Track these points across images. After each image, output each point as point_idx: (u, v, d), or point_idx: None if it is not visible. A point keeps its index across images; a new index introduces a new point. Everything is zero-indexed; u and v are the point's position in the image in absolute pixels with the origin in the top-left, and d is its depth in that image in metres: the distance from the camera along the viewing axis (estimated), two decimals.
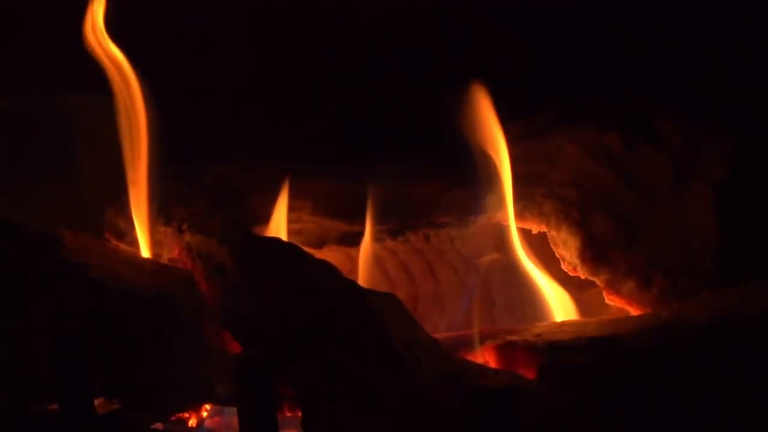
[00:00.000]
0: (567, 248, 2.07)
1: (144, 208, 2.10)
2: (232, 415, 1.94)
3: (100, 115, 2.17)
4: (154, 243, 2.12)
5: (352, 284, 1.80)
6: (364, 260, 2.11)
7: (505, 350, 1.80)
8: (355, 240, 2.16)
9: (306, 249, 1.93)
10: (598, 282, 2.05)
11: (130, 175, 2.10)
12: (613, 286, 2.03)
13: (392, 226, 2.16)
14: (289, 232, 2.14)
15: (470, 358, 1.81)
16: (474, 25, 2.35)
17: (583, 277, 2.07)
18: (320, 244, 2.17)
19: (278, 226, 2.12)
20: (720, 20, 2.25)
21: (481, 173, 2.09)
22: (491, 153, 2.08)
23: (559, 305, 2.07)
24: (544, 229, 2.10)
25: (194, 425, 1.96)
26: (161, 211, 2.11)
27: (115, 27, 2.12)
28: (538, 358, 1.73)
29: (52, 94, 2.52)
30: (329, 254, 2.14)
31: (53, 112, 2.54)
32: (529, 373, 1.73)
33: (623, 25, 2.29)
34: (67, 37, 2.40)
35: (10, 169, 2.47)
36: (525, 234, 2.14)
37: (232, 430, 1.93)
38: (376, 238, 2.16)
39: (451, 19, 2.37)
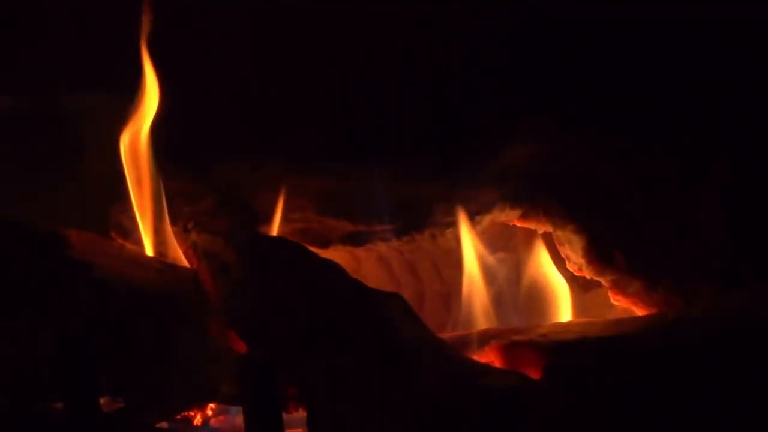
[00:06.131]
0: (572, 248, 2.07)
1: (148, 207, 2.11)
2: (237, 415, 1.95)
3: (104, 114, 2.17)
4: (159, 242, 2.12)
5: (358, 284, 1.80)
6: None
7: (511, 350, 1.79)
8: (360, 240, 2.17)
9: (311, 248, 1.93)
10: (603, 282, 2.05)
11: (132, 174, 2.10)
12: (619, 287, 2.03)
13: (398, 225, 2.16)
14: (294, 232, 2.14)
15: (476, 357, 1.81)
16: (478, 25, 2.35)
17: (588, 277, 2.07)
18: (325, 243, 2.17)
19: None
20: (723, 21, 2.25)
21: (488, 172, 2.10)
22: None
23: (564, 304, 2.07)
24: (549, 228, 2.10)
25: (199, 424, 1.96)
26: (167, 210, 2.11)
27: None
28: (544, 358, 1.72)
29: (56, 93, 2.52)
30: (334, 254, 2.14)
31: (57, 112, 2.53)
32: (534, 373, 1.73)
33: (627, 29, 2.30)
34: (70, 36, 2.40)
35: (15, 168, 2.47)
36: (529, 233, 2.16)
37: (237, 429, 1.93)
38: (382, 238, 2.16)
39: (455, 18, 2.37)
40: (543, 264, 2.11)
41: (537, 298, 2.10)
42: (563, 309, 2.08)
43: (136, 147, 2.11)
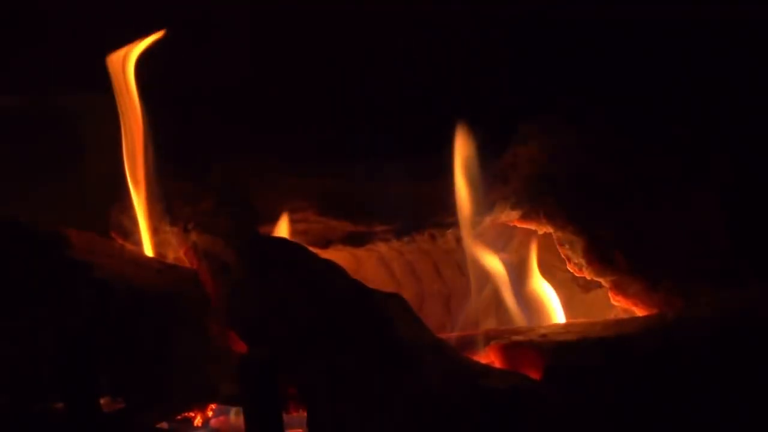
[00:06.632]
0: (573, 249, 2.07)
1: (146, 207, 2.11)
2: (237, 415, 1.95)
3: (105, 114, 2.17)
4: (159, 242, 2.12)
5: (358, 284, 1.80)
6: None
7: (511, 350, 1.79)
8: (360, 240, 2.17)
9: (311, 249, 1.93)
10: (604, 283, 2.05)
11: (132, 175, 2.11)
12: (620, 287, 2.02)
13: (398, 226, 2.17)
14: (295, 232, 2.14)
15: (476, 358, 1.81)
16: (478, 25, 2.36)
17: (589, 278, 2.06)
18: (326, 243, 2.18)
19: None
20: (723, 21, 2.25)
21: (488, 173, 2.10)
22: None
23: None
24: (549, 229, 2.10)
25: (199, 424, 1.96)
26: (167, 211, 2.12)
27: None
28: (544, 358, 1.72)
29: (56, 93, 2.52)
30: (335, 254, 2.14)
31: (57, 112, 2.54)
32: (534, 374, 1.73)
33: (627, 29, 2.30)
34: (70, 36, 2.40)
35: (15, 168, 2.48)
36: (530, 234, 2.16)
37: (237, 429, 1.93)
38: (383, 238, 2.16)
39: (455, 18, 2.37)
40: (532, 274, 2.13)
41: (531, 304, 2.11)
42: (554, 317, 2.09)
43: (125, 68, 2.11)
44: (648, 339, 1.74)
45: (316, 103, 2.40)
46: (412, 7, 2.38)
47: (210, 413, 1.97)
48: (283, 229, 2.14)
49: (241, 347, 1.88)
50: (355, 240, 2.18)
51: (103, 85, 2.15)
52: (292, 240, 2.05)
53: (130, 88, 2.13)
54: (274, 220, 2.13)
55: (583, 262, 2.05)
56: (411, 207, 2.16)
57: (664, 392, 1.66)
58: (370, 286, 1.81)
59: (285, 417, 1.72)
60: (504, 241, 2.16)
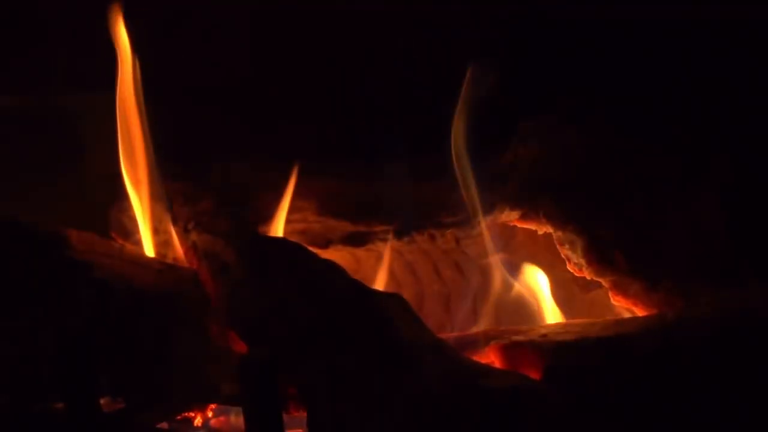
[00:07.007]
0: (573, 249, 2.07)
1: (147, 208, 2.11)
2: (237, 415, 1.95)
3: (105, 113, 2.17)
4: (159, 242, 2.12)
5: (358, 284, 1.80)
6: None
7: (511, 350, 1.80)
8: (360, 240, 2.17)
9: (311, 249, 1.93)
10: (604, 283, 2.05)
11: (131, 175, 2.11)
12: (619, 287, 2.03)
13: (398, 226, 2.17)
14: (294, 232, 2.14)
15: (476, 358, 1.81)
16: (481, 25, 2.36)
17: (589, 278, 2.07)
18: (325, 243, 2.18)
19: (279, 220, 2.14)
20: (723, 21, 2.25)
21: (488, 173, 2.11)
22: None
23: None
24: (549, 229, 2.10)
25: (199, 424, 1.96)
26: (167, 211, 2.12)
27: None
28: (544, 358, 1.73)
29: (56, 93, 2.52)
30: (334, 254, 2.14)
31: (57, 112, 2.54)
32: (534, 374, 1.73)
33: (627, 29, 2.30)
34: (71, 35, 2.40)
35: (15, 168, 2.47)
36: (530, 234, 2.16)
37: (237, 429, 1.93)
38: (382, 238, 2.16)
39: (458, 18, 2.37)
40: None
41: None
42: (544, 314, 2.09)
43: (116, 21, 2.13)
44: (648, 339, 1.74)
45: (316, 103, 2.40)
46: (412, 7, 2.38)
47: (210, 413, 1.97)
48: (289, 192, 2.13)
49: (241, 347, 1.88)
50: (355, 240, 2.18)
51: (103, 85, 2.15)
52: (292, 240, 2.05)
53: (122, 41, 2.13)
54: (273, 219, 2.14)
55: (583, 262, 2.06)
56: (411, 207, 2.16)
57: (664, 392, 1.66)
58: (370, 286, 1.81)
59: (285, 417, 1.72)
60: (504, 241, 2.17)
